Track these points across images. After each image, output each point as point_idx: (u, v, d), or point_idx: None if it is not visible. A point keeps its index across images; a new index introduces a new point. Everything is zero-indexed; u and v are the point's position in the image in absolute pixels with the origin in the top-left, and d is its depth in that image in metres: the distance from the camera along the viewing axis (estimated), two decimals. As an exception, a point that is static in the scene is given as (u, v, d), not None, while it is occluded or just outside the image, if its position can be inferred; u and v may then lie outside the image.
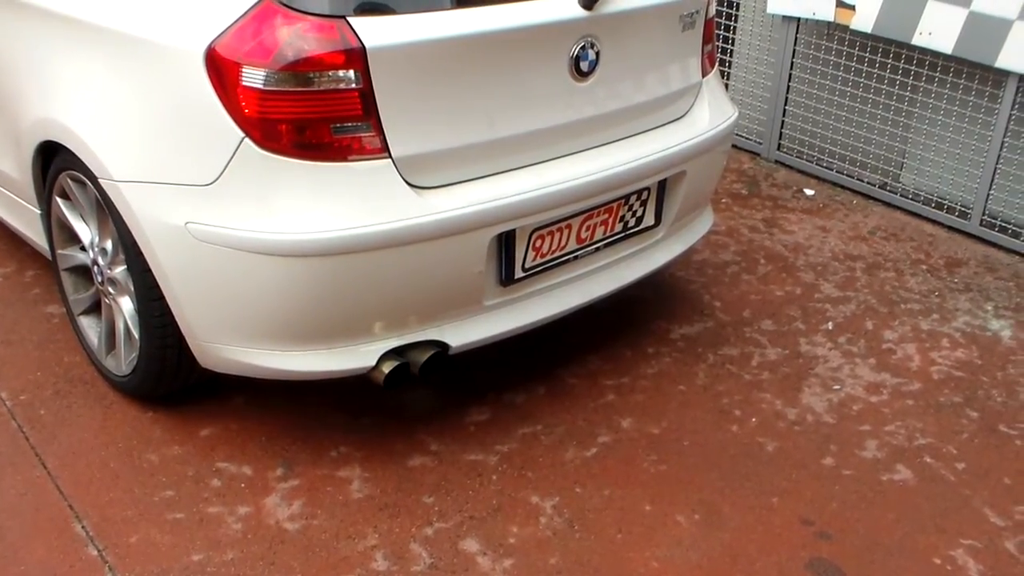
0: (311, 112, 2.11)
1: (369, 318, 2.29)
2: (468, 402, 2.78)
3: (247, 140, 2.10)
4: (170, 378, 2.54)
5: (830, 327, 3.25)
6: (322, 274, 2.18)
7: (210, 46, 2.11)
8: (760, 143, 4.70)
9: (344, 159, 2.14)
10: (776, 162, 4.64)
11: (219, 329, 2.31)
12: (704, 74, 2.85)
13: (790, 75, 4.47)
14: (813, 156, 4.52)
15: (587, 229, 2.59)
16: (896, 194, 4.20)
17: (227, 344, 2.33)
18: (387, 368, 2.32)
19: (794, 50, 4.41)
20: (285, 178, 2.12)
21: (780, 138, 4.61)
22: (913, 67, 3.99)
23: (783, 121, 4.57)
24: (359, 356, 2.32)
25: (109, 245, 2.53)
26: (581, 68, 2.42)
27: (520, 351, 3.00)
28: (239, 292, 2.23)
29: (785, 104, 4.54)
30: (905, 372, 3.02)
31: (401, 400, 2.79)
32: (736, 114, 2.97)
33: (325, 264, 2.17)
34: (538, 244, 2.48)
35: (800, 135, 4.55)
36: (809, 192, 4.35)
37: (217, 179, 2.14)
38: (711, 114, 2.84)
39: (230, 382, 2.70)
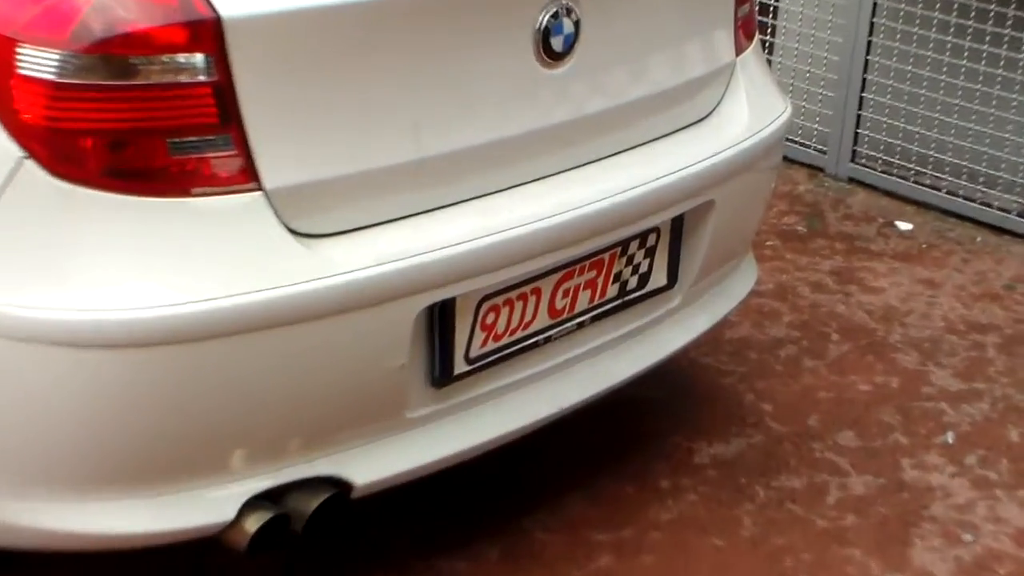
0: (135, 119, 2.18)
1: (224, 444, 2.35)
2: (374, 573, 2.83)
3: (28, 162, 2.17)
4: None
5: (950, 440, 3.39)
6: (148, 375, 2.24)
7: None
8: (824, 152, 4.90)
9: (187, 193, 2.22)
10: (850, 180, 4.84)
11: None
12: (739, 51, 3.00)
13: (869, 45, 4.67)
14: (909, 170, 4.72)
15: (565, 295, 2.69)
16: (1048, 224, 4.40)
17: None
18: (254, 524, 2.36)
19: (875, 5, 4.64)
20: (91, 222, 2.18)
21: (855, 143, 4.82)
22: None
23: (860, 117, 4.79)
24: (208, 506, 2.36)
25: None
26: (552, 47, 2.53)
27: (461, 489, 3.07)
28: (7, 406, 2.26)
29: (862, 92, 4.75)
30: (1077, 509, 3.17)
31: (266, 572, 2.82)
32: (789, 110, 3.12)
33: (154, 358, 2.22)
34: (490, 320, 2.57)
35: (887, 138, 4.75)
36: (905, 226, 4.53)
37: (-25, 224, 2.20)
38: (751, 112, 2.98)
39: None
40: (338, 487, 2.45)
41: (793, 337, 3.85)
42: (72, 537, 2.36)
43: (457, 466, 2.66)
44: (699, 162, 2.80)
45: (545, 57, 2.53)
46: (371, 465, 2.49)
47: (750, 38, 3.08)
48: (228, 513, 2.35)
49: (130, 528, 2.35)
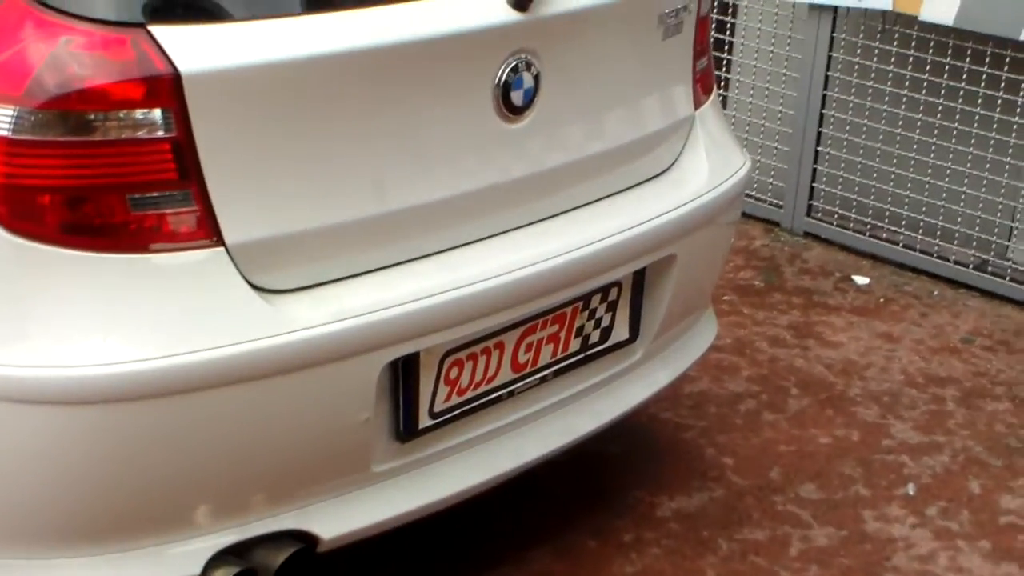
0: (94, 176, 2.20)
1: (188, 499, 2.35)
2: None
3: (-13, 219, 2.17)
4: None
5: (911, 491, 3.41)
6: (111, 431, 2.24)
7: None
8: (780, 206, 4.94)
9: (148, 249, 2.23)
10: (806, 234, 4.88)
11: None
12: (697, 105, 3.04)
13: (824, 98, 4.73)
14: (865, 223, 4.76)
15: (527, 349, 2.71)
16: (1003, 278, 4.45)
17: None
18: (220, 580, 2.36)
19: (829, 58, 4.70)
20: (49, 278, 2.19)
21: (811, 197, 4.87)
22: (1024, 78, 4.27)
23: (815, 171, 4.83)
24: (173, 562, 2.36)
25: None
26: (512, 101, 2.56)
27: (424, 543, 3.07)
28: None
29: (817, 145, 4.79)
30: (1040, 560, 3.20)
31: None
32: (748, 164, 3.16)
33: (116, 415, 2.23)
34: (454, 375, 2.58)
35: (843, 192, 4.80)
36: (862, 280, 4.57)
37: (-66, 281, 2.20)
38: (711, 166, 3.02)
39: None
40: (304, 541, 2.45)
41: (752, 391, 3.87)
42: (33, 598, 2.35)
43: (421, 520, 2.66)
44: (660, 215, 2.83)
45: (505, 111, 2.56)
46: (337, 519, 2.50)
47: (708, 93, 3.11)
48: (194, 569, 2.36)
49: (93, 586, 2.34)
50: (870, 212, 4.72)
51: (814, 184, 4.83)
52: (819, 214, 4.85)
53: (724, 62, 4.98)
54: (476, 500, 2.78)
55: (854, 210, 4.76)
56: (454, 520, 2.88)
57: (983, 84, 4.34)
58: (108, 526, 2.32)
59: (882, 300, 4.45)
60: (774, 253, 4.77)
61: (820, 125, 4.75)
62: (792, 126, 4.83)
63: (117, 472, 2.27)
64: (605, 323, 2.85)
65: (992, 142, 4.37)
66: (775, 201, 4.93)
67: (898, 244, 4.65)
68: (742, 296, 4.42)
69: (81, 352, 2.19)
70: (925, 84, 4.47)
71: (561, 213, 2.74)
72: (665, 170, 2.97)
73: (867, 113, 4.65)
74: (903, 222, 4.64)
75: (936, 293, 4.50)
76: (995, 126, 4.34)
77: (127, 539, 2.34)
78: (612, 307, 2.84)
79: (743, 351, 4.08)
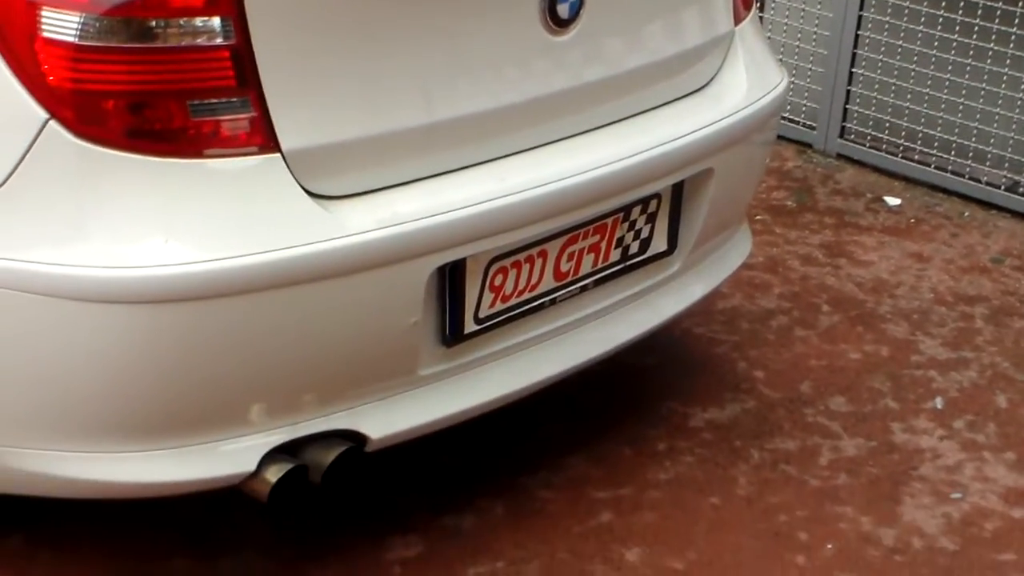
0: (156, 81, 2.27)
1: (243, 398, 2.44)
2: (387, 530, 2.94)
3: (53, 123, 2.25)
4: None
5: (939, 405, 3.49)
6: (170, 330, 2.33)
7: None
8: (813, 128, 5.00)
9: (207, 154, 2.31)
10: (839, 156, 4.94)
11: (2, 423, 2.43)
12: (737, 20, 3.10)
13: (859, 19, 4.77)
14: (898, 145, 4.82)
15: (569, 259, 2.78)
16: (1034, 199, 4.51)
17: (14, 446, 2.45)
18: (274, 475, 2.46)
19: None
20: (113, 182, 2.27)
21: (844, 119, 4.92)
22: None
23: (849, 92, 4.89)
24: (229, 458, 2.46)
25: None
26: (558, 13, 2.62)
27: (464, 449, 3.16)
28: (36, 360, 2.36)
29: (851, 67, 4.83)
30: (1061, 469, 3.27)
31: (279, 529, 2.91)
32: (786, 81, 3.22)
33: (175, 314, 2.32)
34: (498, 281, 2.66)
35: (876, 113, 4.85)
36: (893, 201, 4.63)
37: (1, 185, 2.27)
38: (749, 82, 3.08)
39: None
40: (354, 441, 2.55)
41: (784, 308, 3.94)
42: (104, 486, 2.47)
43: (463, 424, 2.75)
44: (699, 130, 2.89)
45: (551, 24, 2.62)
46: (385, 420, 2.59)
47: (748, 8, 3.17)
48: (249, 464, 2.46)
49: (158, 477, 2.45)
50: (903, 134, 4.77)
51: (847, 106, 4.88)
52: (852, 136, 4.91)
53: (758, -18, 5.01)
54: (516, 406, 2.86)
55: (887, 132, 4.81)
56: (497, 423, 2.96)
57: (1020, 3, 4.37)
58: (166, 422, 2.42)
59: (913, 220, 4.51)
60: (807, 174, 4.83)
61: (855, 46, 4.79)
62: (827, 47, 4.87)
63: (175, 370, 2.36)
64: (644, 234, 2.92)
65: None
66: (808, 122, 4.98)
67: (930, 166, 4.71)
68: (775, 216, 4.48)
69: (142, 253, 2.26)
70: (961, 4, 4.50)
71: (604, 126, 2.80)
72: (705, 85, 3.02)
73: (902, 35, 4.68)
74: (935, 144, 4.70)
75: (967, 214, 4.56)
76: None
77: (184, 435, 2.44)
78: (651, 219, 2.91)
79: (775, 269, 4.14)
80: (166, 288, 2.28)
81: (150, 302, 2.29)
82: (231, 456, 2.46)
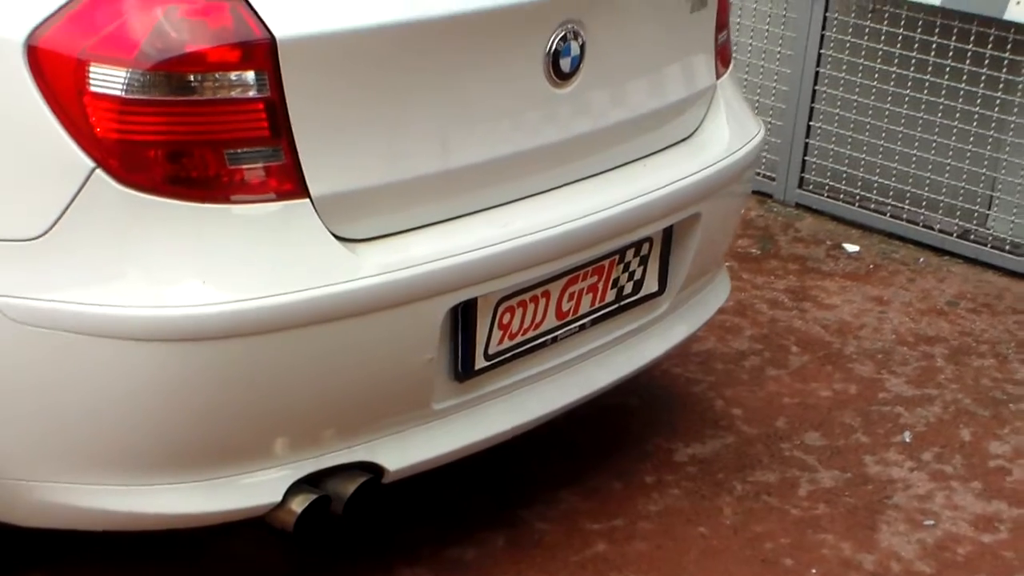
0: (195, 132, 2.40)
1: (271, 431, 2.57)
2: (393, 561, 3.07)
3: (99, 171, 2.38)
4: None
5: (907, 439, 3.66)
6: (205, 367, 2.45)
7: (31, 35, 2.36)
8: (772, 179, 5.19)
9: (242, 200, 2.45)
10: (798, 206, 5.13)
11: (40, 457, 2.55)
12: (718, 75, 3.28)
13: (816, 75, 4.98)
14: (854, 195, 5.01)
15: (570, 298, 2.94)
16: (984, 245, 4.73)
17: (50, 480, 2.56)
18: (299, 505, 2.59)
19: (822, 37, 4.95)
20: (156, 226, 2.40)
21: (803, 170, 5.11)
22: (1008, 55, 4.51)
23: (807, 145, 5.08)
24: (257, 489, 2.58)
25: None
26: (561, 67, 2.79)
27: (463, 484, 3.30)
28: (74, 397, 2.47)
29: (809, 119, 5.05)
30: (1027, 498, 3.44)
31: (284, 560, 3.04)
32: (762, 132, 3.40)
33: (211, 352, 2.44)
34: (506, 320, 2.81)
35: (834, 164, 5.04)
36: (852, 248, 4.82)
37: (49, 230, 2.40)
38: (731, 132, 3.26)
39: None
40: (373, 472, 2.68)
41: (756, 349, 4.11)
42: (137, 518, 2.58)
43: (467, 458, 2.89)
44: (688, 176, 3.06)
45: (555, 77, 2.78)
46: (402, 452, 2.72)
47: (726, 65, 3.35)
48: (276, 495, 2.58)
49: (190, 509, 2.56)
50: (859, 184, 4.95)
51: (806, 158, 5.06)
52: (810, 186, 5.09)
53: (718, 40, 5.20)
54: (507, 447, 2.99)
55: (844, 182, 4.99)
56: (491, 459, 3.09)
57: (968, 61, 4.58)
58: (198, 456, 2.54)
59: (872, 266, 4.70)
60: (768, 223, 5.01)
61: (812, 101, 4.98)
62: (786, 102, 5.06)
63: (208, 406, 2.48)
64: (637, 276, 3.08)
65: (976, 116, 4.61)
66: (768, 174, 5.16)
67: (886, 214, 4.90)
68: (741, 262, 4.66)
69: (182, 293, 2.39)
70: (913, 61, 4.71)
71: (600, 173, 2.96)
72: (690, 135, 3.20)
73: (857, 90, 4.88)
74: (891, 193, 4.88)
75: (922, 260, 4.75)
76: (978, 101, 4.59)
77: (214, 468, 2.56)
78: (644, 261, 3.07)
79: (745, 313, 4.31)
80: (203, 327, 2.40)
81: (188, 340, 2.41)
82: (258, 488, 2.58)
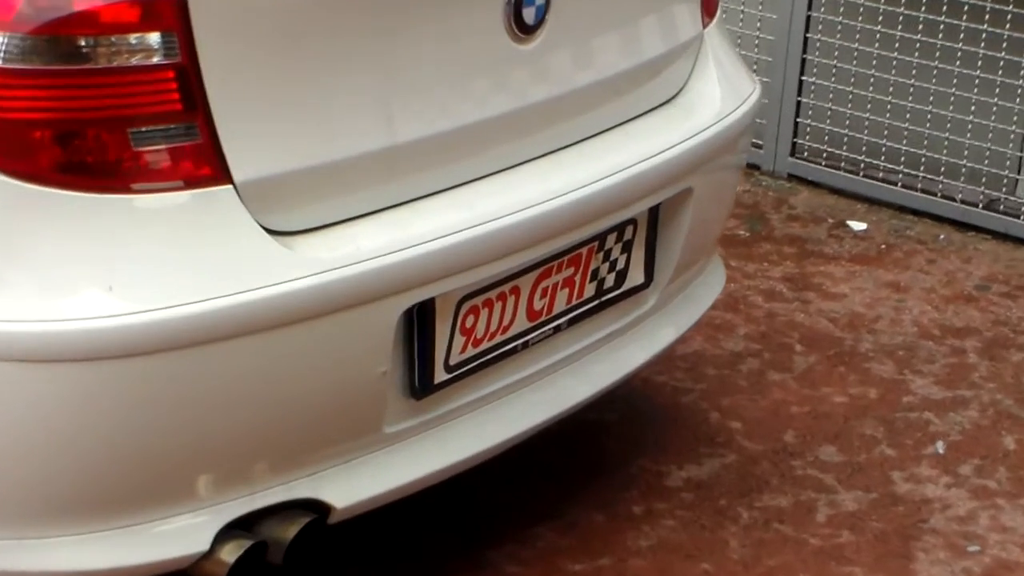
0: (89, 108, 2.35)
1: (194, 466, 2.52)
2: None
3: (-28, 157, 2.33)
4: None
5: (940, 450, 3.68)
6: (110, 391, 2.40)
7: None
8: (760, 147, 5.17)
9: (149, 188, 2.39)
10: (791, 177, 5.14)
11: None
12: (704, 23, 3.26)
13: (808, 20, 4.94)
14: (858, 163, 5.00)
15: (543, 295, 2.93)
16: (1016, 217, 4.74)
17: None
18: (231, 555, 2.54)
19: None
20: (44, 223, 2.34)
21: (795, 135, 5.10)
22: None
23: (800, 104, 5.07)
24: (179, 537, 2.53)
25: None
26: (524, 19, 2.77)
27: (422, 521, 3.28)
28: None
29: (801, 74, 5.03)
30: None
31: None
32: (758, 90, 3.40)
33: (116, 372, 2.39)
34: (469, 323, 2.79)
35: (832, 127, 5.04)
36: (858, 226, 4.84)
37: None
38: (722, 91, 3.25)
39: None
40: (316, 511, 2.64)
41: (753, 350, 4.11)
42: (28, 579, 2.52)
43: (426, 490, 2.86)
44: (676, 144, 3.05)
45: (516, 30, 2.76)
46: (350, 486, 2.69)
47: (711, 15, 3.34)
48: (202, 544, 2.53)
49: (92, 564, 2.51)
50: (863, 149, 4.97)
51: (798, 119, 5.07)
52: (805, 153, 5.10)
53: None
54: (473, 473, 2.96)
55: (845, 148, 5.01)
56: (447, 494, 3.07)
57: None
58: (104, 499, 2.49)
59: (883, 247, 4.72)
60: (757, 199, 5.02)
61: (805, 51, 4.98)
62: (772, 54, 5.06)
63: (112, 438, 2.42)
64: (620, 265, 3.07)
65: (1002, 64, 4.62)
66: (754, 140, 5.12)
67: (896, 184, 4.92)
68: (727, 247, 4.64)
69: (78, 304, 2.34)
70: (922, 2, 4.70)
71: (574, 144, 2.95)
72: (675, 95, 3.20)
73: (858, 36, 4.88)
74: (902, 159, 4.90)
75: (942, 237, 4.78)
76: (1004, 45, 4.60)
77: (124, 514, 2.50)
78: (627, 247, 3.07)
79: (736, 307, 4.32)
80: (105, 343, 2.35)
81: (88, 359, 2.36)
82: (180, 535, 2.53)
